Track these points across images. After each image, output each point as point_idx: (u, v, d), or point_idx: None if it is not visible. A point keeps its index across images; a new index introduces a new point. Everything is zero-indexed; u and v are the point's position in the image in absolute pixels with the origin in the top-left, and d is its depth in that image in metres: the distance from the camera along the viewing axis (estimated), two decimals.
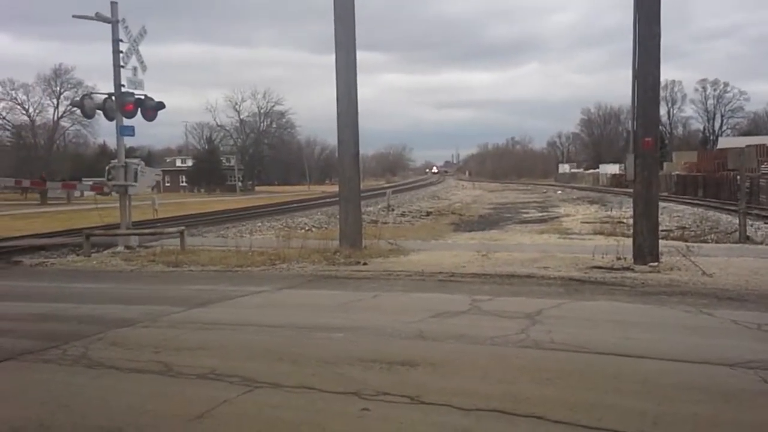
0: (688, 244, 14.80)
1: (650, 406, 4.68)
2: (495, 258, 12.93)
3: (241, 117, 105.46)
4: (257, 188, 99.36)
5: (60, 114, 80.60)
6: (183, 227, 17.14)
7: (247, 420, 4.63)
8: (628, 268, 11.19)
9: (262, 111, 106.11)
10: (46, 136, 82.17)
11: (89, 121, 62.97)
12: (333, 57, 14.53)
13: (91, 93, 19.58)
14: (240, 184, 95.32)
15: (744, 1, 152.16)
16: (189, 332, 7.31)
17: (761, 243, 17.11)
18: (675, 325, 7.29)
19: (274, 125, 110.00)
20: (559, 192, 61.48)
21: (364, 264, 12.64)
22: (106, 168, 16.51)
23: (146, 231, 18.15)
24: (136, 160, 17.10)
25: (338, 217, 15.79)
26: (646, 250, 11.59)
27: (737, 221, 19.08)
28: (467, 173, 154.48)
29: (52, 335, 7.24)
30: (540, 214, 32.37)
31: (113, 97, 15.99)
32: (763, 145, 46.57)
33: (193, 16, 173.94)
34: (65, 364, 6.15)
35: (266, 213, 34.57)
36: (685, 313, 7.81)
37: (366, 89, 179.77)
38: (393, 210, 34.27)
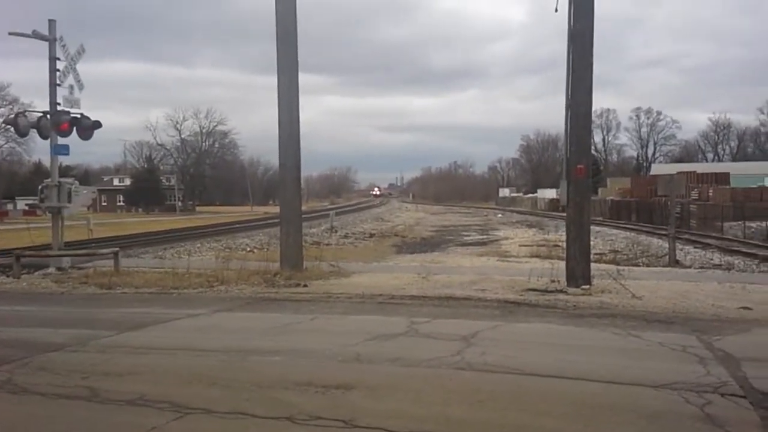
0: (620, 267, 15.29)
1: (577, 428, 4.81)
2: (435, 280, 13.06)
3: (183, 136, 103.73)
4: (198, 208, 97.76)
5: None
6: (117, 248, 16.72)
7: None
8: (561, 291, 11.46)
9: (204, 130, 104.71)
10: None
11: (24, 138, 60.90)
12: (276, 78, 14.55)
13: (26, 111, 19.05)
14: (180, 204, 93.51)
15: (677, 32, 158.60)
16: (119, 357, 7.15)
17: (690, 267, 17.76)
18: (604, 347, 7.50)
19: (216, 145, 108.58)
20: (500, 215, 62.55)
21: (304, 286, 12.59)
22: (39, 187, 16.05)
23: (79, 252, 17.62)
24: (70, 180, 16.67)
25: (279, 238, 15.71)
26: (578, 274, 11.89)
27: (667, 245, 19.79)
28: (411, 196, 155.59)
29: None
30: (480, 237, 32.87)
31: (48, 116, 15.59)
32: (693, 172, 48.54)
33: (133, 35, 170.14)
34: None
35: (207, 234, 34.05)
36: (614, 336, 8.03)
37: (311, 111, 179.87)
38: (336, 231, 34.26)
